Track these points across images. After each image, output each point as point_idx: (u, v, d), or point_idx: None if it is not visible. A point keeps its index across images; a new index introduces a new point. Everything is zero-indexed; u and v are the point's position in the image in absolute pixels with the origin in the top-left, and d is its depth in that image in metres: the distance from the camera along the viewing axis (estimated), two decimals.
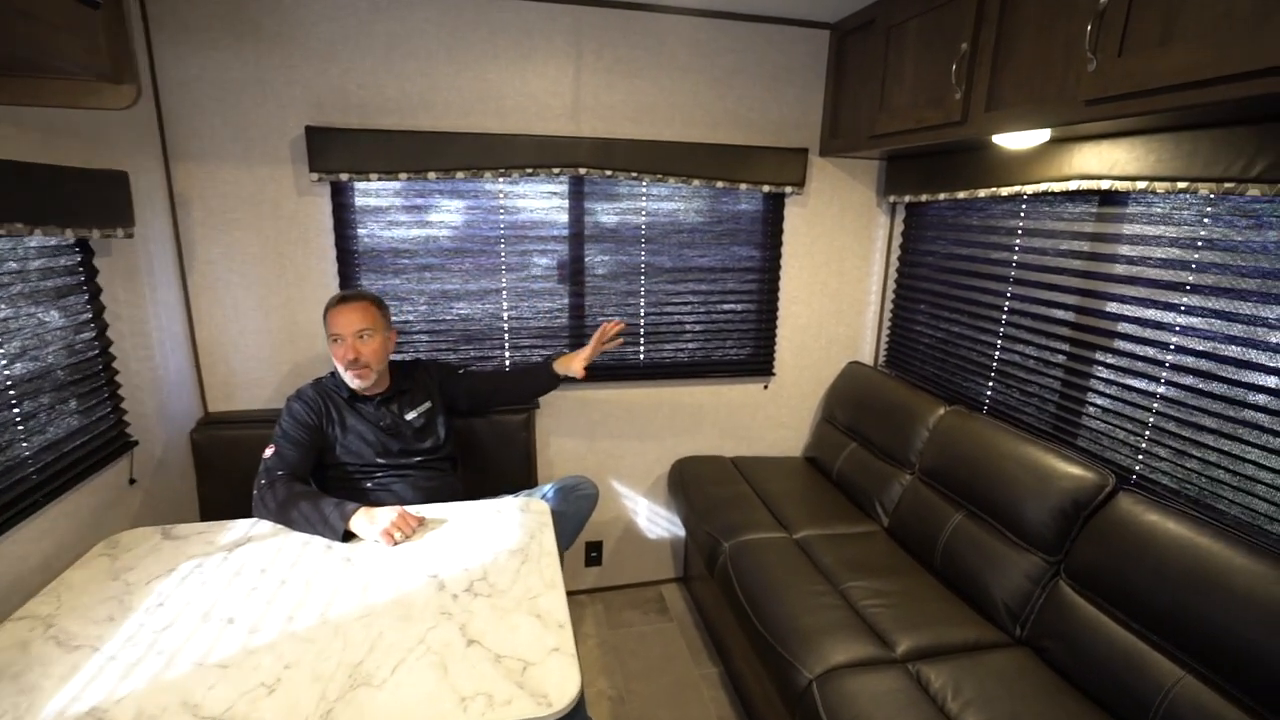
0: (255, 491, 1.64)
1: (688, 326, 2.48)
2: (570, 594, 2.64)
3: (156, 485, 1.88)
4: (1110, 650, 1.35)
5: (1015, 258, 1.94)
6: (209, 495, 2.01)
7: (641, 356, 2.47)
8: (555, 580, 1.44)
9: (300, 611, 1.28)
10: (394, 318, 2.18)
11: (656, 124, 2.22)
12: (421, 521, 1.60)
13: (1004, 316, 1.99)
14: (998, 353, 2.02)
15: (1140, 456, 1.57)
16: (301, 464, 1.72)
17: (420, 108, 2.03)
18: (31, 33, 0.97)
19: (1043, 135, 1.58)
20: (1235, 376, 1.37)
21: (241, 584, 1.37)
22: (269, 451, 1.71)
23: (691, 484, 2.39)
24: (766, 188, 2.32)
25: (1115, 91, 1.22)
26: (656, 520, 2.65)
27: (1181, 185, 1.38)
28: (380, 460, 1.84)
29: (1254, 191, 1.26)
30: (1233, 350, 1.37)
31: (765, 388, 2.61)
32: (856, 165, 2.44)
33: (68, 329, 1.54)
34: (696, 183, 2.25)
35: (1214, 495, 1.41)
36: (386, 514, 1.54)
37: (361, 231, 2.13)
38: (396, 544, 1.52)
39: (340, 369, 1.78)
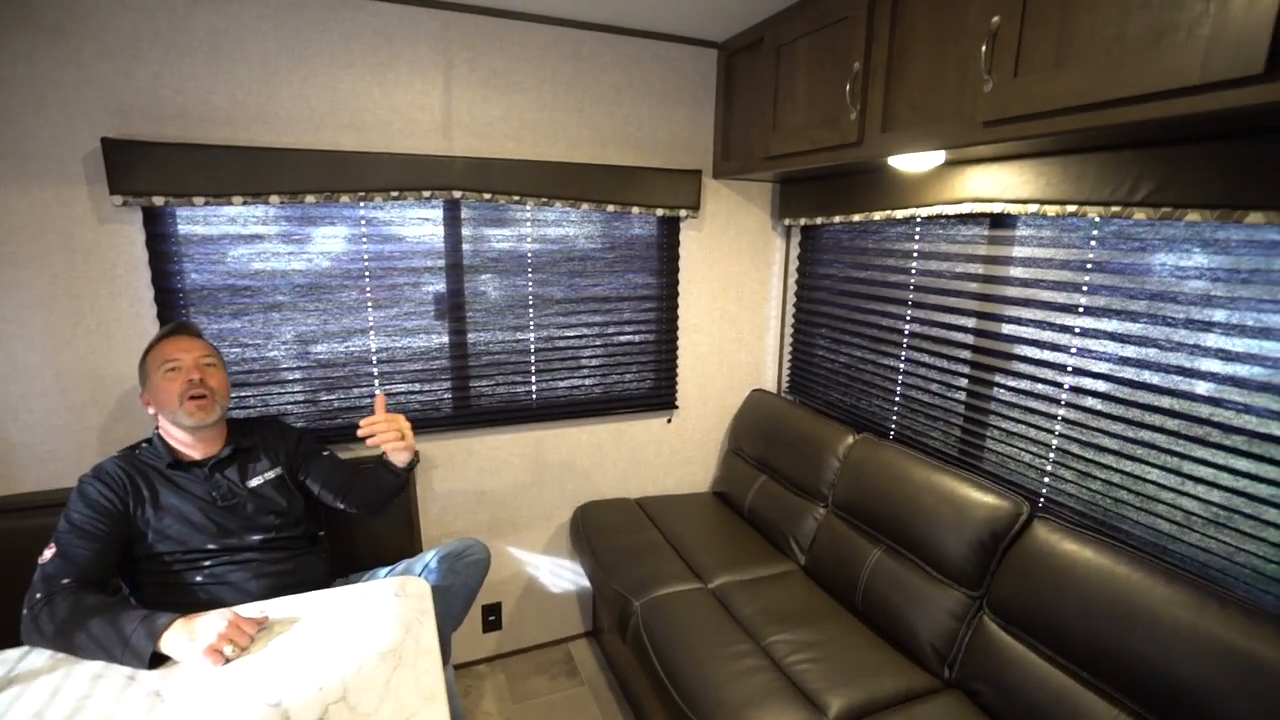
0: (26, 610, 1.25)
1: (583, 361, 2.30)
2: (466, 665, 2.36)
3: None
4: (1041, 691, 1.29)
5: (913, 280, 1.92)
6: None
7: (534, 395, 2.25)
8: (436, 690, 1.17)
9: None
10: (236, 368, 1.84)
11: (540, 143, 2.03)
12: (262, 624, 1.28)
13: (905, 340, 1.97)
14: (901, 377, 2.00)
15: (1046, 479, 1.56)
16: (96, 565, 1.35)
17: (258, 120, 1.72)
18: None
19: (938, 158, 1.56)
20: (1131, 397, 1.37)
21: None
22: (48, 553, 1.32)
23: (595, 534, 2.18)
24: (660, 211, 2.19)
25: (1013, 113, 1.19)
26: (560, 573, 2.42)
27: (1070, 209, 1.38)
28: (212, 545, 1.49)
29: (1139, 215, 1.26)
30: (1127, 372, 1.37)
31: (668, 422, 2.47)
32: (751, 188, 2.38)
33: None
34: (585, 206, 2.08)
35: (1119, 516, 1.41)
36: (211, 624, 1.21)
37: (188, 266, 1.77)
38: (228, 662, 1.20)
39: (171, 408, 1.45)
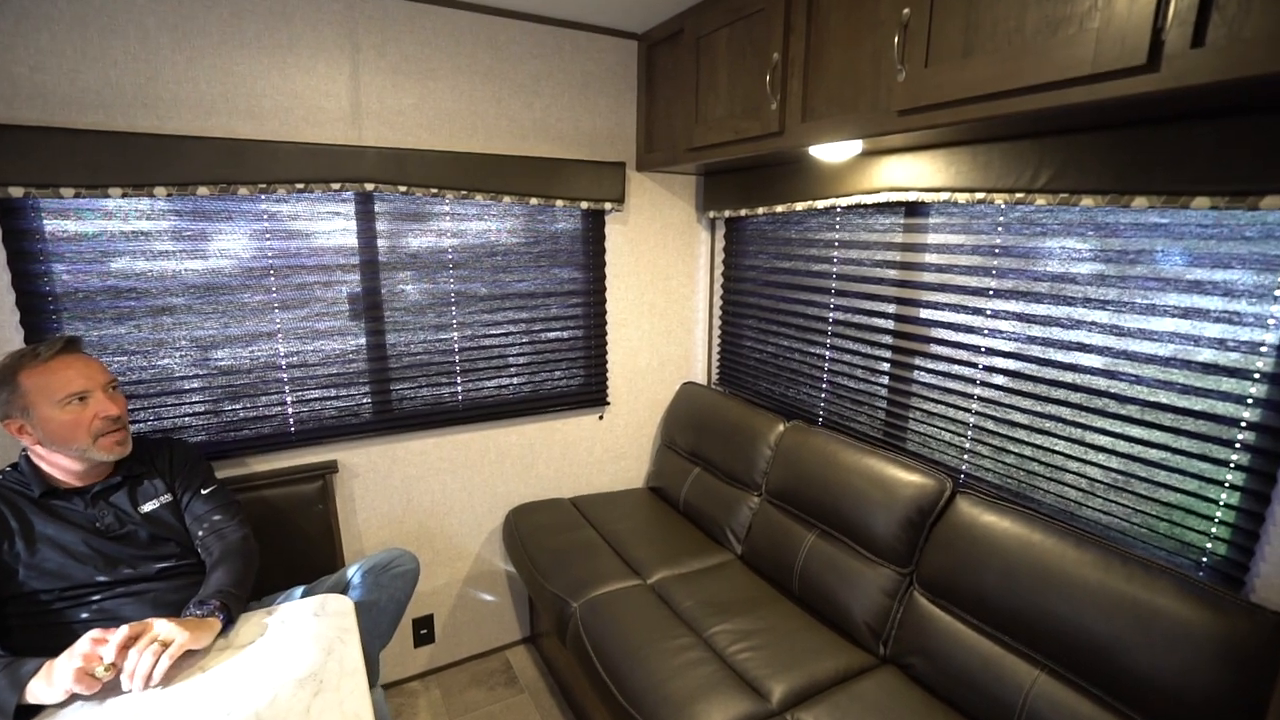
0: None
1: (510, 359, 2.23)
2: (399, 684, 2.24)
3: None
4: (969, 658, 1.34)
5: (835, 269, 1.97)
6: None
7: (459, 397, 2.16)
8: (362, 714, 1.09)
9: None
10: (122, 378, 1.67)
11: (457, 134, 1.95)
12: (131, 634, 1.10)
13: (830, 328, 2.02)
14: (827, 364, 2.05)
15: (965, 456, 1.63)
16: None
17: (138, 103, 1.55)
18: None
19: (855, 147, 1.60)
20: (1038, 374, 1.45)
21: None
22: None
23: (529, 537, 2.12)
24: (584, 204, 2.15)
25: (925, 102, 1.23)
26: (494, 579, 2.34)
27: (979, 196, 1.45)
28: (101, 578, 1.34)
29: (1040, 201, 1.34)
30: (1034, 350, 1.46)
31: (600, 418, 2.43)
32: (675, 180, 2.38)
33: None
34: (507, 200, 2.02)
35: (1032, 487, 1.49)
36: (71, 655, 1.06)
37: (58, 266, 1.58)
38: (104, 681, 1.06)
39: (80, 443, 1.30)
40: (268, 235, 1.79)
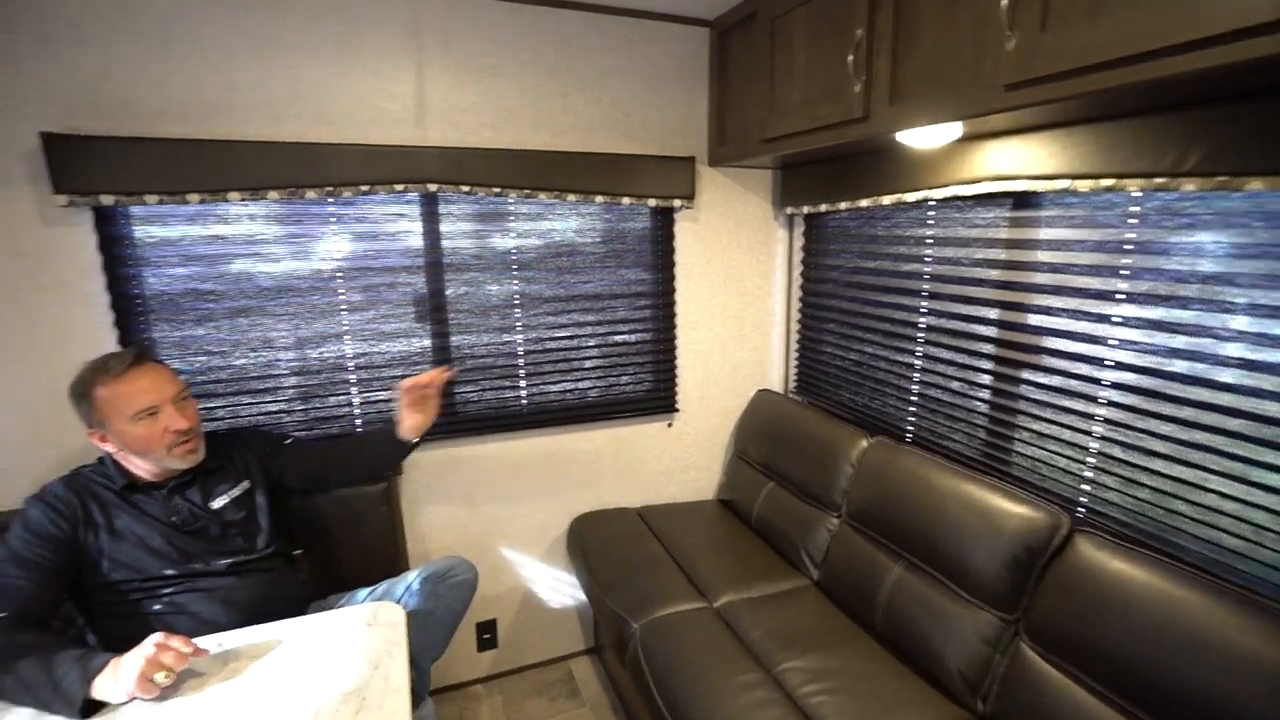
0: None
1: (575, 363, 2.16)
2: (462, 686, 2.23)
3: None
4: None
5: (928, 269, 1.77)
6: None
7: (524, 401, 2.12)
8: None
9: None
10: (202, 377, 1.73)
11: (522, 131, 1.90)
12: (196, 650, 1.13)
13: (921, 335, 1.81)
14: (918, 375, 1.84)
15: (1084, 486, 1.40)
16: (36, 598, 1.22)
17: (216, 112, 1.60)
18: None
19: (953, 131, 1.41)
20: (1183, 394, 1.21)
21: None
22: None
23: (592, 548, 2.05)
24: (653, 202, 2.05)
25: (1040, 72, 1.04)
26: (559, 587, 2.29)
27: (1106, 183, 1.23)
28: (170, 571, 1.37)
29: (1189, 187, 1.11)
30: (1178, 365, 1.22)
31: (669, 425, 2.32)
32: (749, 175, 2.23)
33: None
34: (572, 198, 1.95)
35: (1173, 529, 1.25)
36: (134, 655, 1.08)
37: (146, 271, 1.65)
38: (161, 689, 1.07)
39: (156, 454, 1.34)
40: (335, 237, 1.80)
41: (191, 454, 1.39)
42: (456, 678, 2.20)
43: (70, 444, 1.59)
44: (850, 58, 1.42)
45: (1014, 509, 1.34)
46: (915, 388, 1.86)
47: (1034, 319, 1.49)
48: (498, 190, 1.85)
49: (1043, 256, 1.46)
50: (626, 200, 2.02)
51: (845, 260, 2.10)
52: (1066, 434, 1.43)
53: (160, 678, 1.07)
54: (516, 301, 2.05)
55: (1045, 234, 1.45)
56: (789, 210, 2.22)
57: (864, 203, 1.84)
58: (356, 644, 1.24)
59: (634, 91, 2.00)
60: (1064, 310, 1.41)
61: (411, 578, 1.58)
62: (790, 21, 1.65)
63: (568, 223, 2.06)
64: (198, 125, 1.59)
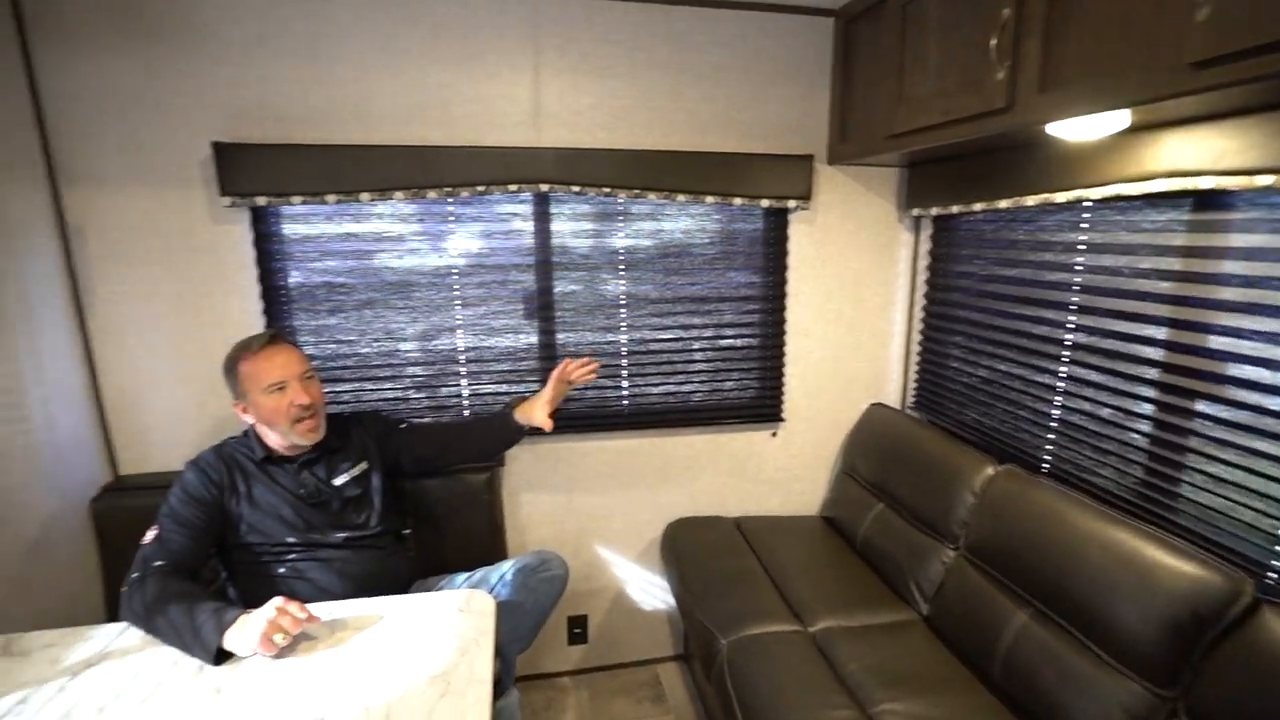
0: (124, 587, 1.30)
1: (679, 365, 2.13)
2: (551, 676, 2.28)
3: (33, 573, 1.55)
4: None
5: (1078, 280, 1.55)
6: (118, 576, 1.67)
7: (625, 402, 2.12)
8: None
9: None
10: (332, 363, 1.88)
11: (633, 131, 1.89)
12: (310, 617, 1.23)
13: (1066, 353, 1.60)
14: (1059, 398, 1.63)
15: (1278, 548, 1.16)
16: (189, 551, 1.38)
17: (352, 118, 1.73)
18: None
19: (1119, 120, 1.21)
20: None
21: None
22: (149, 535, 1.38)
23: (686, 554, 2.00)
24: (766, 202, 1.97)
25: (1240, 45, 0.86)
26: (651, 590, 2.27)
27: None
28: (293, 539, 1.50)
29: None
30: None
31: (773, 435, 2.23)
32: (873, 174, 2.08)
33: None
34: (682, 198, 1.91)
35: None
36: (259, 616, 1.18)
37: (290, 265, 1.82)
38: (280, 649, 1.17)
39: (282, 427, 1.46)
40: (452, 235, 1.89)
41: (312, 431, 1.50)
42: (546, 668, 2.24)
43: (221, 415, 1.79)
44: (993, 42, 1.27)
45: (1179, 566, 1.13)
46: (1055, 412, 1.64)
47: (1217, 341, 1.26)
48: (608, 190, 1.86)
49: (1232, 268, 1.23)
50: (738, 201, 1.95)
51: (978, 267, 1.90)
52: (1255, 481, 1.19)
53: (278, 638, 1.17)
54: (623, 301, 2.05)
55: (1237, 241, 1.22)
56: (915, 212, 2.05)
57: (1003, 204, 1.65)
58: (448, 628, 1.29)
59: (749, 88, 1.93)
60: (1260, 333, 1.18)
61: (506, 568, 1.63)
62: (923, 7, 1.50)
63: (677, 223, 2.03)
64: (337, 131, 1.72)
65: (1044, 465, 1.68)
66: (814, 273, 2.12)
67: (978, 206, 1.75)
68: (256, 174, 1.65)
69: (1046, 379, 1.66)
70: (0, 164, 1.50)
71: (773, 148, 1.97)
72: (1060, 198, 1.48)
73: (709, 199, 1.93)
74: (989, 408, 1.88)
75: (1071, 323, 1.57)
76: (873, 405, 2.24)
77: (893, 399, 2.27)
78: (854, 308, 2.18)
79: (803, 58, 1.94)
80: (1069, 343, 1.59)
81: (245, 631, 1.17)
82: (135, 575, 1.30)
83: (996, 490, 1.58)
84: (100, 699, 1.10)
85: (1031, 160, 1.56)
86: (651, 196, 1.90)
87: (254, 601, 1.22)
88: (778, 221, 2.07)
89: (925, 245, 2.13)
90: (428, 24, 1.71)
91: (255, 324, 1.80)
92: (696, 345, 2.13)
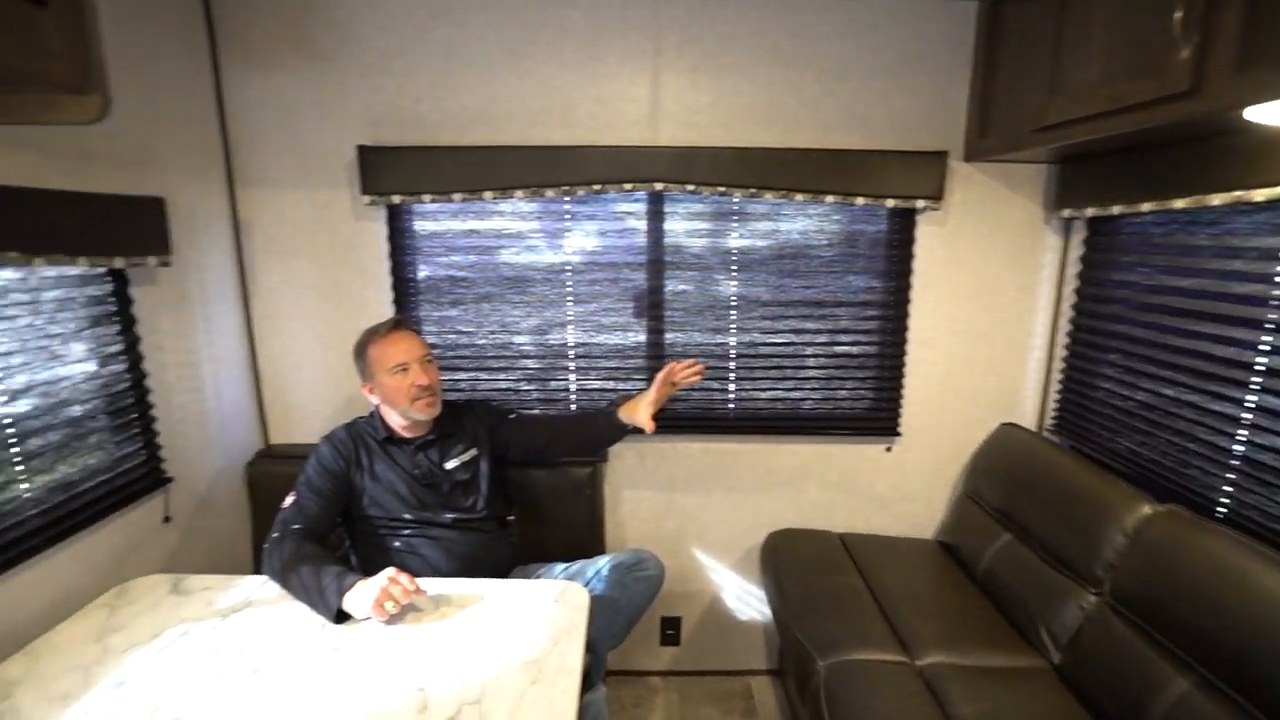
0: (266, 545, 1.46)
1: (789, 371, 2.05)
2: (642, 674, 2.29)
3: (200, 524, 1.78)
4: None
5: (1278, 292, 1.31)
6: (264, 533, 1.88)
7: (731, 405, 2.08)
8: (566, 717, 1.08)
9: None
10: (451, 353, 1.99)
11: (751, 129, 1.84)
12: (418, 590, 1.30)
13: (1256, 379, 1.36)
14: (1244, 432, 1.39)
15: None
16: (321, 517, 1.52)
17: (479, 121, 1.82)
18: None
19: None
20: None
21: (212, 668, 1.16)
22: (288, 500, 1.53)
23: (786, 567, 1.93)
24: (892, 202, 1.85)
25: None
26: (747, 599, 2.21)
27: None
28: (407, 516, 1.60)
29: None
30: None
31: (888, 450, 2.09)
32: (1015, 171, 1.89)
33: (92, 363, 1.46)
34: (800, 198, 1.84)
35: None
36: (373, 583, 1.27)
37: (419, 259, 1.95)
38: (391, 617, 1.26)
39: (402, 405, 1.57)
40: (567, 234, 1.94)
41: (429, 407, 1.59)
42: (637, 666, 2.25)
43: (354, 395, 1.95)
44: (1178, 15, 1.10)
45: None
46: (1239, 449, 1.40)
47: None
48: (723, 189, 1.82)
49: None
50: (861, 201, 1.84)
51: (1142, 276, 1.67)
52: None
53: (389, 605, 1.25)
54: (733, 303, 2.01)
55: None
56: (1067, 213, 1.83)
57: (1179, 203, 1.44)
58: (543, 617, 1.32)
59: (877, 81, 1.82)
60: None
61: (602, 563, 1.65)
62: None
63: (794, 224, 1.96)
64: (465, 134, 1.82)
65: (1219, 509, 1.44)
66: (942, 278, 1.97)
67: (1145, 207, 1.53)
68: (392, 174, 1.78)
69: (1228, 408, 1.42)
70: (194, 169, 1.73)
71: (901, 144, 1.84)
72: (1259, 195, 1.26)
73: (829, 199, 1.84)
74: (1149, 437, 1.64)
75: (1266, 343, 1.33)
76: (1003, 425, 2.03)
77: (1027, 419, 2.06)
78: (986, 318, 1.99)
79: (940, 46, 1.80)
80: (1261, 366, 1.35)
81: (361, 596, 1.27)
82: (275, 535, 1.45)
83: (1155, 533, 1.38)
84: (242, 641, 1.24)
85: (1219, 152, 1.34)
86: (768, 196, 1.84)
87: (372, 570, 1.32)
88: (903, 223, 1.94)
89: (1076, 250, 1.90)
90: (554, 28, 1.77)
91: (387, 314, 1.94)
92: (809, 351, 2.04)
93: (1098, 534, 1.50)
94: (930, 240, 1.94)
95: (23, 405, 1.31)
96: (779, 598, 1.85)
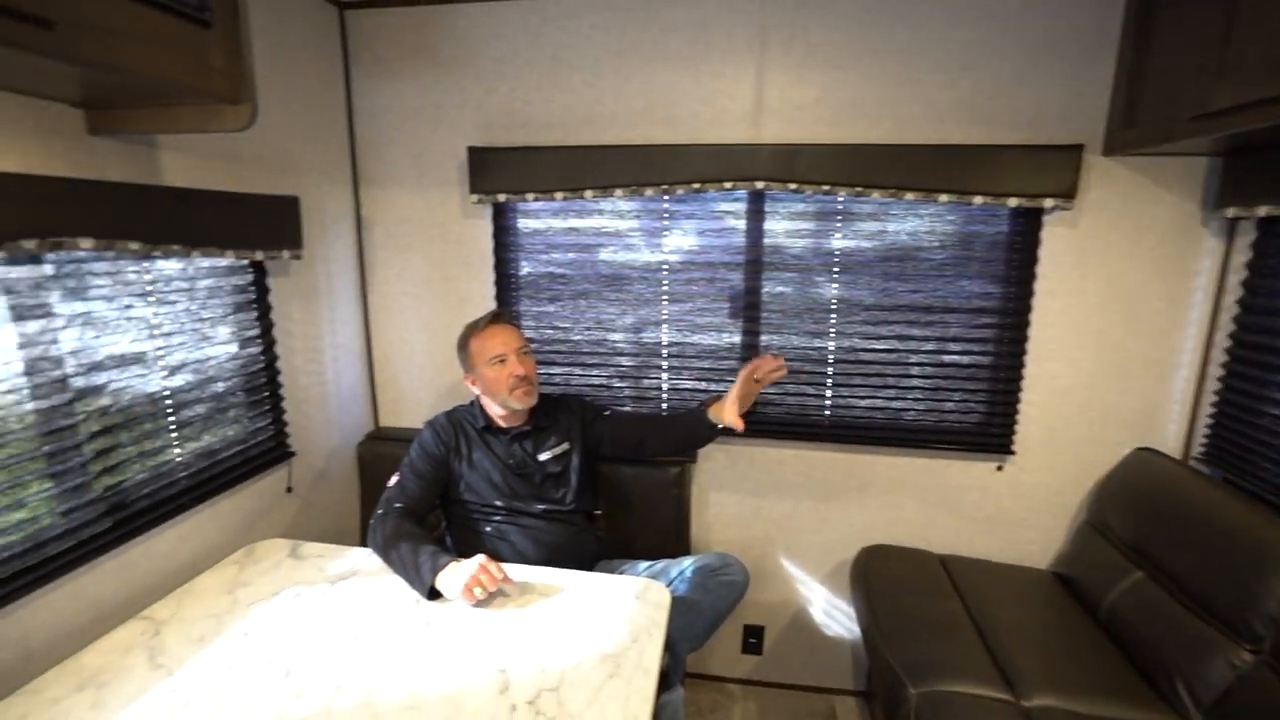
0: (371, 520, 1.57)
1: (890, 379, 1.95)
2: (721, 680, 2.25)
3: (316, 496, 1.94)
4: None
5: None
6: (371, 509, 2.03)
7: (827, 412, 2.00)
8: (641, 716, 1.08)
9: (351, 683, 1.12)
10: (547, 347, 2.05)
11: (860, 124, 1.76)
12: (505, 579, 1.35)
13: None
14: None
15: None
16: (421, 498, 1.62)
17: (584, 121, 1.86)
18: (143, 56, 0.95)
19: None
20: None
21: (320, 628, 1.27)
22: (393, 480, 1.63)
23: (879, 585, 1.83)
24: (1015, 201, 1.70)
25: None
26: (835, 615, 2.13)
27: None
28: (499, 503, 1.67)
29: None
30: None
31: (998, 469, 1.94)
32: (1166, 165, 1.69)
33: (234, 344, 1.63)
34: (911, 197, 1.73)
35: None
36: (465, 568, 1.33)
37: (521, 256, 2.03)
38: (478, 601, 1.31)
39: (501, 395, 1.63)
40: (665, 233, 1.94)
41: (527, 396, 1.64)
42: (716, 671, 2.22)
43: (455, 384, 2.05)
44: None
45: None
46: None
47: None
48: (826, 188, 1.75)
49: None
50: (979, 200, 1.71)
51: None
52: None
53: (477, 591, 1.30)
54: (834, 306, 1.93)
55: None
56: (1232, 212, 1.61)
57: None
58: (623, 613, 1.32)
59: (1003, 70, 1.68)
60: None
61: (686, 564, 1.64)
62: None
63: (903, 224, 1.85)
64: (569, 134, 1.87)
65: None
66: (1070, 285, 1.79)
67: None
68: (499, 174, 1.85)
69: None
70: (325, 171, 1.89)
71: (1028, 137, 1.70)
72: None
73: (943, 198, 1.72)
74: None
75: None
76: (1138, 450, 1.82)
77: (1169, 445, 1.83)
78: (1122, 330, 1.79)
79: (1080, 29, 1.64)
80: None
81: (453, 577, 1.33)
82: (380, 512, 1.55)
83: None
84: (347, 608, 1.34)
85: None
86: (875, 195, 1.75)
87: (465, 551, 1.38)
88: (1027, 224, 1.78)
89: (1241, 255, 1.67)
90: (659, 27, 1.77)
91: (489, 308, 2.03)
92: (914, 359, 1.93)
93: (1258, 582, 1.31)
94: (1058, 243, 1.77)
95: (178, 380, 1.48)
96: (870, 617, 1.76)
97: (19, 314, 1.16)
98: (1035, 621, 1.68)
